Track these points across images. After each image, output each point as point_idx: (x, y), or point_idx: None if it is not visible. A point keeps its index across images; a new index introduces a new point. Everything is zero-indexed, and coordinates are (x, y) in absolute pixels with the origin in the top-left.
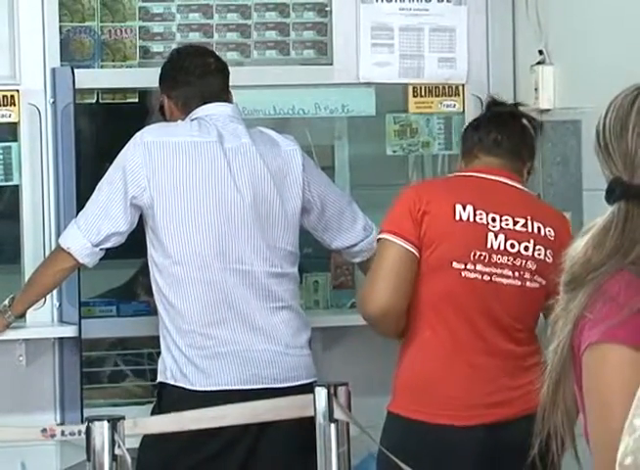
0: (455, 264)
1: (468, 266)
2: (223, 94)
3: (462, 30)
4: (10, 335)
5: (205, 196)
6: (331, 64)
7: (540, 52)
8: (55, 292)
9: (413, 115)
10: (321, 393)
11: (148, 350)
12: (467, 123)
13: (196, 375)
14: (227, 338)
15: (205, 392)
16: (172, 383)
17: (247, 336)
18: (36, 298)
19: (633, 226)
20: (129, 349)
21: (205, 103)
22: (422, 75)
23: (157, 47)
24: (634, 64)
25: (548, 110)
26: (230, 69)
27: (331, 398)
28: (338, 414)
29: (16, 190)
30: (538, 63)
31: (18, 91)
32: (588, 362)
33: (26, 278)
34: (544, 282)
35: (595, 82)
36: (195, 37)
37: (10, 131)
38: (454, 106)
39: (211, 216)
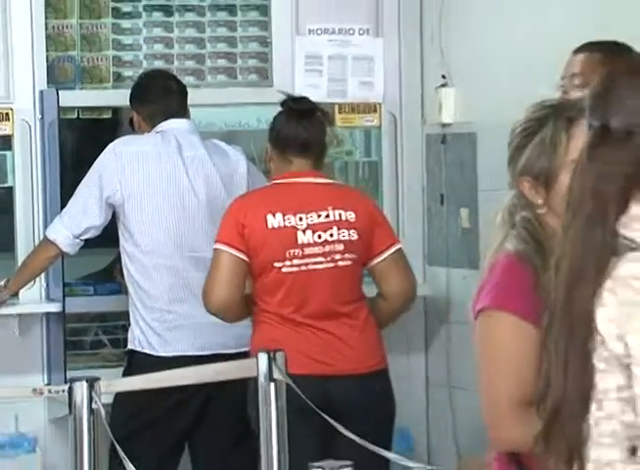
0: (276, 264)
1: (286, 263)
2: (182, 111)
3: (379, 58)
4: (6, 311)
5: (167, 197)
6: (271, 86)
7: (443, 76)
8: (43, 275)
9: (339, 128)
10: (263, 357)
11: (122, 322)
12: (276, 123)
13: (159, 343)
14: (184, 313)
15: (166, 357)
16: (139, 350)
17: (200, 311)
18: (27, 280)
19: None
20: (107, 321)
21: (167, 118)
22: (346, 96)
23: (127, 72)
24: (521, 87)
25: (450, 124)
26: (188, 90)
27: (271, 361)
28: (276, 375)
29: (10, 191)
30: (442, 85)
31: (12, 109)
32: (478, 326)
33: (19, 264)
34: (355, 256)
35: (487, 102)
36: (159, 64)
37: (5, 142)
38: (372, 121)
39: (172, 214)
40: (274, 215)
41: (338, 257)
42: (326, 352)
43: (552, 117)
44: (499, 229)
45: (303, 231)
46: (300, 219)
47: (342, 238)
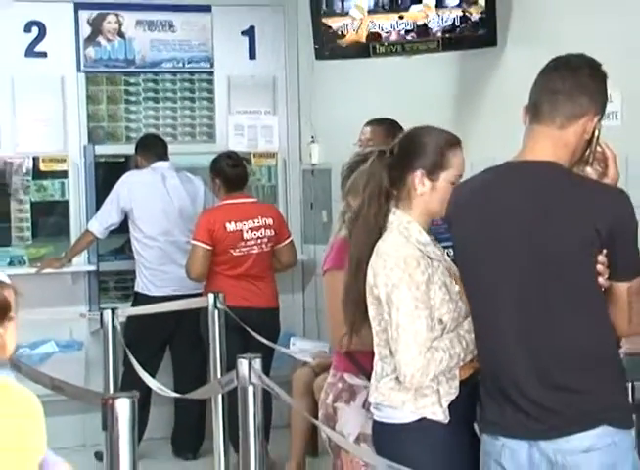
0: (230, 250)
1: (236, 250)
2: (165, 156)
3: (275, 127)
4: (65, 270)
5: (156, 206)
6: (215, 143)
7: (312, 137)
8: (86, 250)
9: (254, 166)
10: (211, 295)
11: (130, 276)
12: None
13: (152, 288)
14: (166, 271)
15: (156, 296)
16: (141, 291)
17: (175, 270)
18: (77, 253)
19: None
20: (121, 275)
21: (157, 161)
22: (257, 148)
23: (132, 135)
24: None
25: (316, 164)
26: (168, 145)
27: (216, 298)
28: (219, 306)
29: (66, 202)
30: (311, 142)
31: (67, 156)
32: (324, 279)
33: (72, 244)
34: (271, 244)
35: (336, 152)
36: (151, 130)
37: (63, 174)
38: (272, 162)
39: (159, 216)
40: (230, 223)
41: (263, 245)
42: (250, 294)
43: (365, 160)
44: (337, 223)
45: (246, 231)
46: (244, 224)
47: (267, 234)
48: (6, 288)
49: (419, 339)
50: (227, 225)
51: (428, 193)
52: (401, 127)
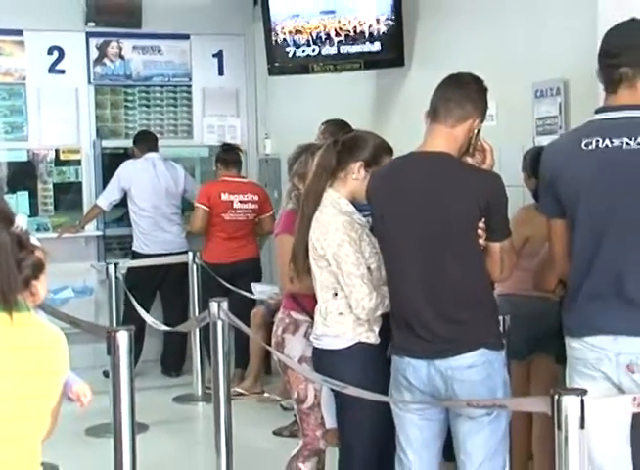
0: (222, 215)
1: (227, 215)
2: (155, 148)
3: (238, 127)
4: (79, 235)
5: (148, 186)
6: (192, 139)
7: (266, 134)
8: (95, 219)
9: None
10: (191, 253)
11: (128, 239)
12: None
13: (146, 247)
14: (157, 235)
15: (149, 253)
16: (137, 250)
17: (164, 234)
18: (88, 222)
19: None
20: (122, 238)
21: (149, 151)
22: (224, 140)
23: (130, 132)
24: (301, 140)
25: (269, 154)
26: (159, 139)
27: (194, 255)
28: (197, 261)
29: (80, 184)
30: (265, 137)
31: (81, 148)
32: (276, 241)
33: (84, 215)
34: (255, 215)
35: (285, 144)
36: (144, 128)
37: (78, 162)
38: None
39: (150, 193)
40: (224, 193)
41: (248, 215)
42: (236, 251)
43: (306, 151)
44: (285, 199)
45: (236, 202)
46: (235, 196)
47: (251, 207)
48: (39, 250)
49: (366, 280)
50: (222, 195)
51: (360, 180)
52: (351, 127)
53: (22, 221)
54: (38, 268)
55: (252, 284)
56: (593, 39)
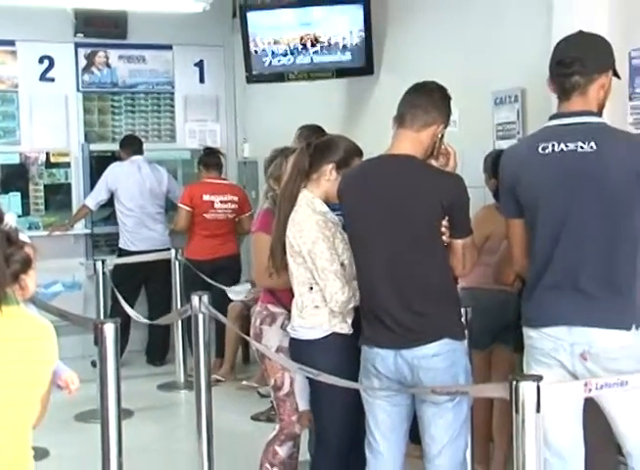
0: (204, 214)
1: (208, 214)
2: (140, 151)
3: (219, 131)
4: (69, 233)
5: (133, 187)
6: (175, 142)
7: (244, 138)
8: (83, 219)
9: None
10: (173, 250)
11: (115, 237)
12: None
13: (131, 245)
14: (142, 233)
15: (135, 250)
16: (123, 247)
17: (149, 232)
18: (77, 221)
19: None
20: (109, 236)
21: (134, 154)
22: (205, 144)
23: (117, 137)
24: (275, 144)
25: (247, 157)
26: (144, 143)
27: (177, 251)
28: (179, 257)
29: (69, 185)
30: (244, 142)
31: (70, 151)
32: (253, 238)
33: (73, 214)
34: (235, 214)
35: (262, 148)
36: (130, 131)
37: (67, 165)
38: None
39: (136, 194)
40: (206, 194)
41: (228, 214)
42: (217, 248)
43: (280, 154)
44: (262, 199)
45: (217, 202)
46: (216, 197)
47: (232, 207)
48: (28, 246)
49: (339, 275)
50: (204, 196)
51: (332, 181)
52: (325, 132)
53: (11, 219)
54: (27, 263)
55: (227, 289)
56: (548, 51)
